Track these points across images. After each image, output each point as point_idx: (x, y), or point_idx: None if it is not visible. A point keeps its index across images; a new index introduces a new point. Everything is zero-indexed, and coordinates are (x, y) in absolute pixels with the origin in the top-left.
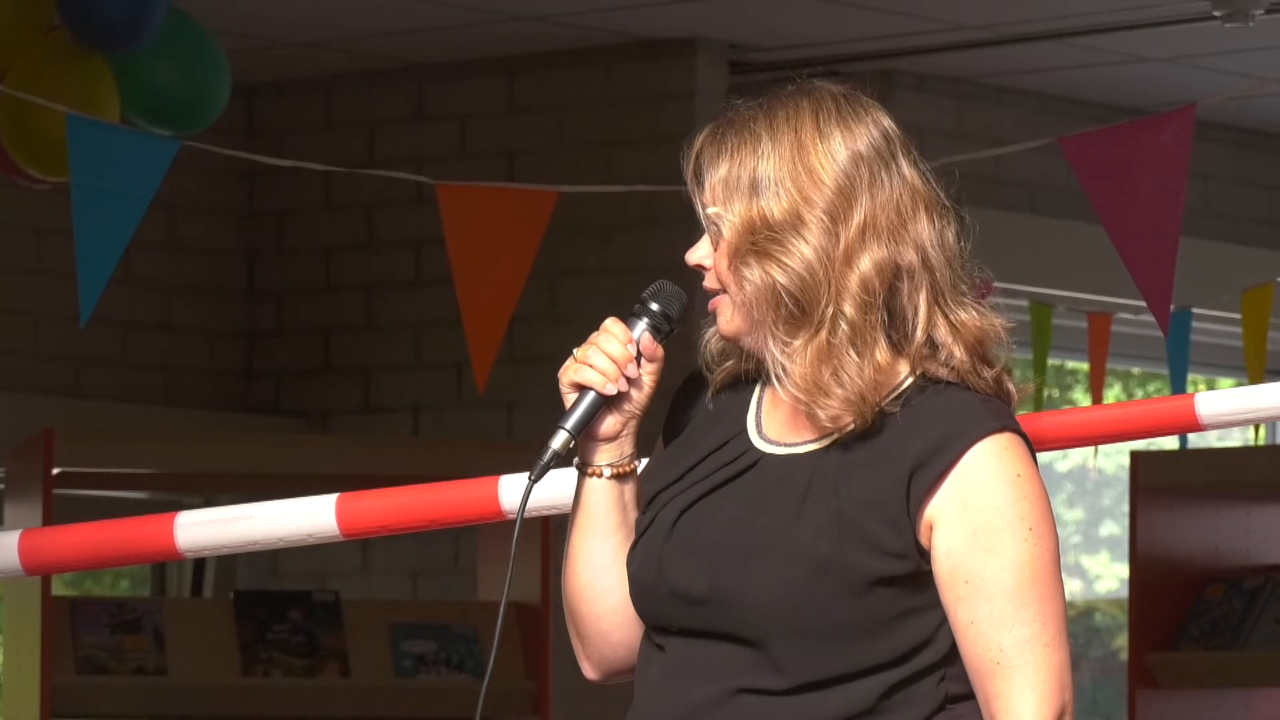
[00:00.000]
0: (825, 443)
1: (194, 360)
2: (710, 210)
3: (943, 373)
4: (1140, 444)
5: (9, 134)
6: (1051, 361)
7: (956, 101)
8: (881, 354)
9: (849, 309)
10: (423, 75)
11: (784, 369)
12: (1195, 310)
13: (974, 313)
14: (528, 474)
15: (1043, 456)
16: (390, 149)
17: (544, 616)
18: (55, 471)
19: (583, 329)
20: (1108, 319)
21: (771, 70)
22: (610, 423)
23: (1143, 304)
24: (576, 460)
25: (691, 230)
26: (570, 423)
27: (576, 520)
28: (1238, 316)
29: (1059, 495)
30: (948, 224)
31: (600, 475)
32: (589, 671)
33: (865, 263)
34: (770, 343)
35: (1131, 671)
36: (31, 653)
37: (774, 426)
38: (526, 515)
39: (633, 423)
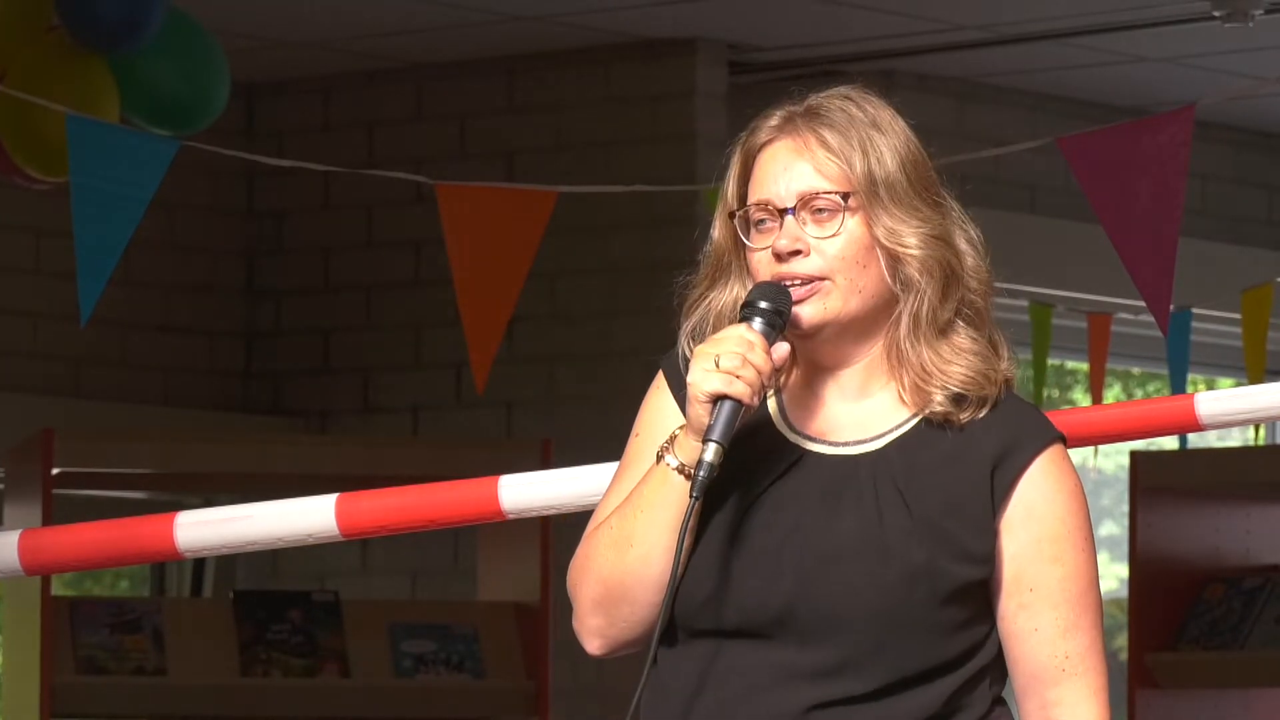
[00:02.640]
0: (881, 444)
1: (193, 360)
2: (849, 203)
3: (997, 379)
4: (1140, 444)
5: (9, 134)
6: (1051, 361)
7: (956, 101)
8: (998, 339)
9: (973, 298)
10: (422, 75)
11: (906, 352)
12: (1195, 310)
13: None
14: (689, 494)
15: None
16: (389, 149)
17: (544, 617)
18: (55, 471)
19: (582, 329)
20: (1107, 319)
21: (771, 70)
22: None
23: (1142, 304)
24: (673, 461)
25: (690, 231)
26: (719, 434)
27: (660, 516)
28: (1237, 316)
29: None
30: None
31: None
32: (598, 648)
33: (969, 260)
34: (908, 322)
35: (1131, 672)
36: (31, 653)
37: (810, 423)
38: (526, 516)
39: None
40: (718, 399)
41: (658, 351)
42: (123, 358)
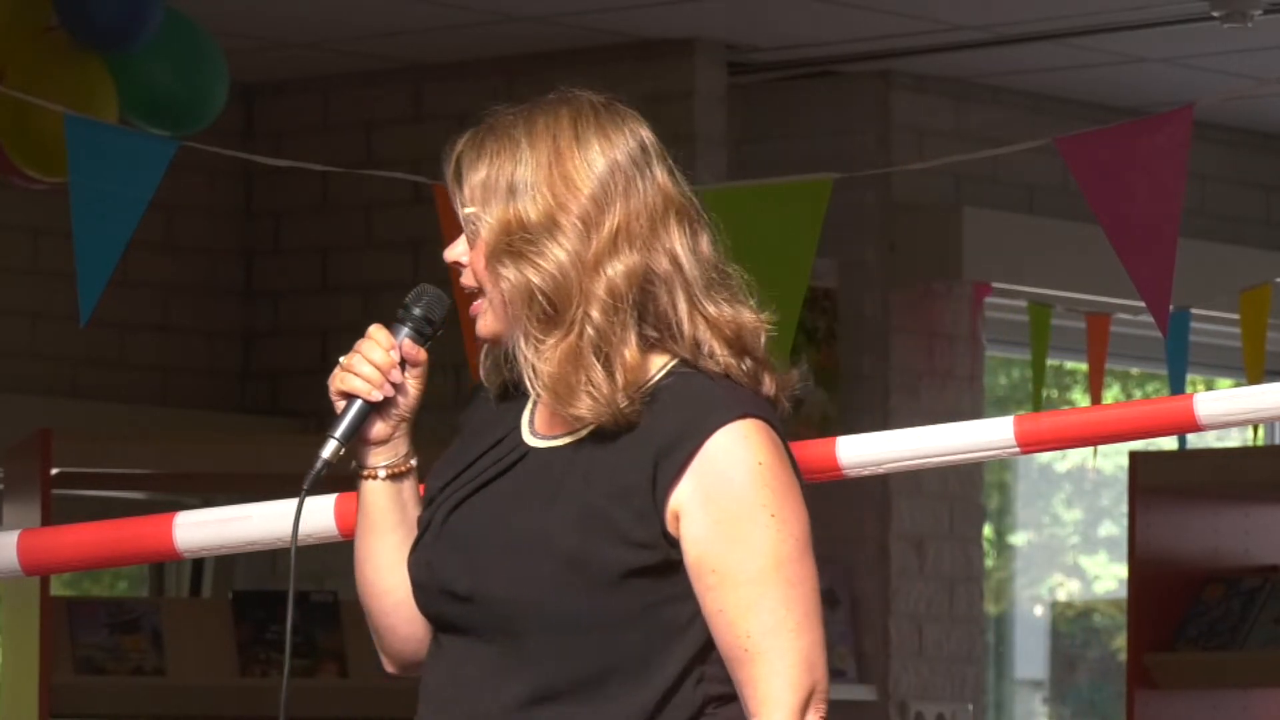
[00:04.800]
0: (582, 434)
1: (191, 361)
2: (468, 211)
3: (709, 365)
4: (1139, 444)
5: (7, 134)
6: (1050, 362)
7: (954, 102)
8: (631, 355)
9: (595, 313)
10: (421, 75)
11: (535, 369)
12: (1194, 311)
13: (726, 309)
14: (302, 489)
15: (1042, 457)
16: (388, 149)
17: None
18: (53, 472)
19: None
20: (1106, 319)
21: (769, 70)
22: (380, 427)
23: (1141, 304)
24: (354, 464)
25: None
26: (339, 431)
27: (359, 523)
28: (1236, 317)
29: (1057, 495)
30: (701, 230)
31: (376, 477)
32: (387, 665)
33: (614, 268)
34: (523, 342)
35: (1130, 672)
36: (30, 653)
37: (542, 421)
38: None
39: (404, 425)
40: (345, 396)
41: None
42: (121, 358)
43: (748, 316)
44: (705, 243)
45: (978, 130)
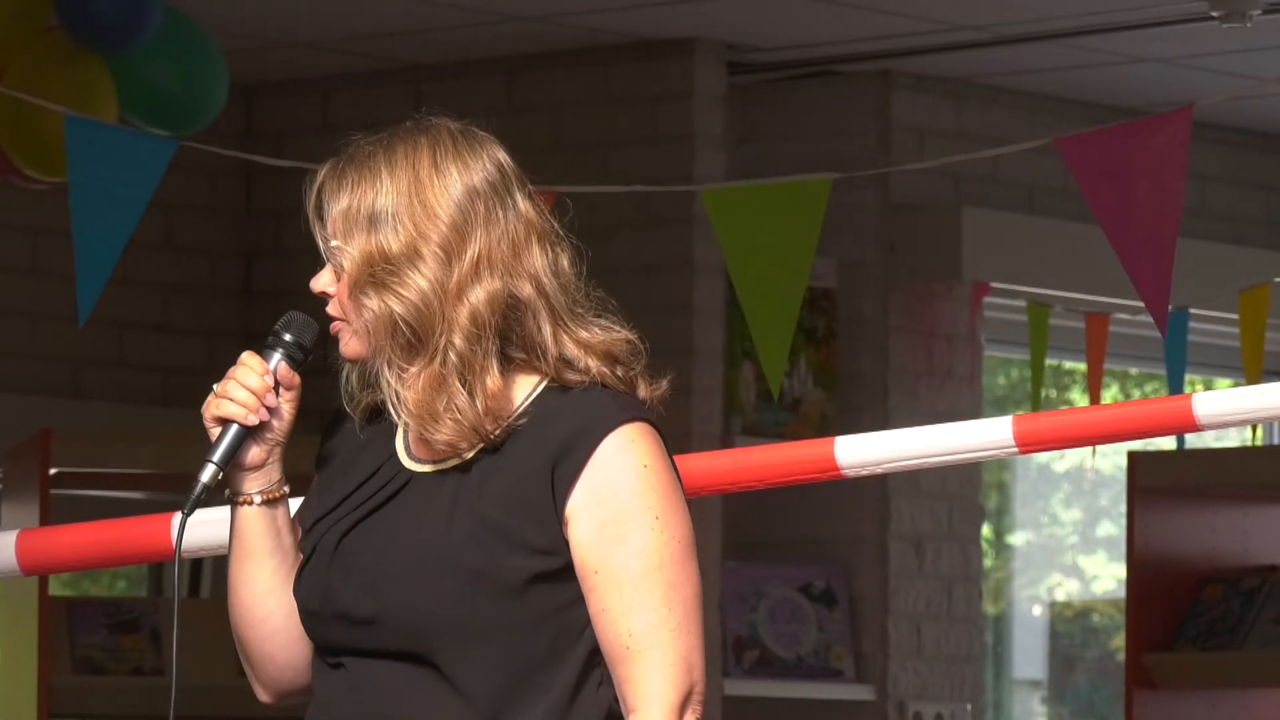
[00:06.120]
0: (469, 455)
1: (191, 361)
2: (332, 243)
3: (581, 378)
4: (1138, 444)
5: (7, 134)
6: (1049, 362)
7: (954, 102)
8: (494, 381)
9: (458, 340)
10: (421, 75)
11: (398, 395)
12: (1193, 311)
13: (596, 330)
14: (182, 511)
15: (1040, 457)
16: None
17: None
18: (53, 472)
19: None
20: (1105, 319)
21: (769, 70)
22: (255, 452)
23: (1140, 304)
24: (228, 492)
25: (695, 230)
26: (217, 456)
27: (233, 549)
28: (1235, 317)
29: (1056, 495)
30: (561, 251)
31: (251, 503)
32: (261, 695)
33: (476, 295)
34: (387, 369)
35: (1129, 672)
36: (29, 653)
37: (422, 446)
38: None
39: (278, 450)
40: (221, 421)
41: (657, 353)
42: (121, 358)
43: (616, 334)
44: (565, 263)
45: (977, 130)
